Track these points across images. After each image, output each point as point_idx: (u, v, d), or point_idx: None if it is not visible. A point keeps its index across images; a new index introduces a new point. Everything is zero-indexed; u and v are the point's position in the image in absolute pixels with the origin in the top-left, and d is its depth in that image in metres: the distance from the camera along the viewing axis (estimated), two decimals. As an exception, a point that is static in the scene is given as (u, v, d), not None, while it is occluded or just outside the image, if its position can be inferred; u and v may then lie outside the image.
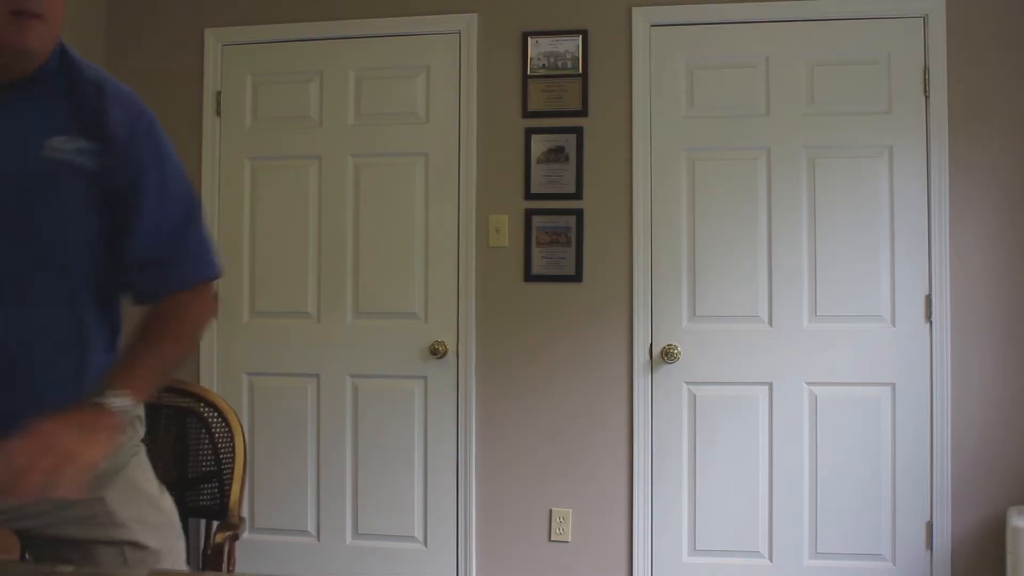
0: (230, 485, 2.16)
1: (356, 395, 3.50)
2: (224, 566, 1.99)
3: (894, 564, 3.17)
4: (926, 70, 3.21)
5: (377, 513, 3.46)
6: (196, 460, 2.20)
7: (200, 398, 2.21)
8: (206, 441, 2.19)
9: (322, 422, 3.51)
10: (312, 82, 3.56)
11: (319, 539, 3.50)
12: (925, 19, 3.21)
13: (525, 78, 3.42)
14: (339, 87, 3.54)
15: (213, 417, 2.20)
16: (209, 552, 2.05)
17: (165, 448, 2.19)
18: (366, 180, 3.51)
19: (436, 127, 3.47)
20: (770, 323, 3.26)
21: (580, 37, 3.39)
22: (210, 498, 2.19)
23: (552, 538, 3.35)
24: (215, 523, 2.18)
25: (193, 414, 2.19)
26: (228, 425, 2.18)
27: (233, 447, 2.17)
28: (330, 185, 3.54)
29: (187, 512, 2.18)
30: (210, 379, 3.58)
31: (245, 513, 3.47)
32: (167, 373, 1.55)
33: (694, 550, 3.28)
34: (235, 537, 2.05)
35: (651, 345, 3.32)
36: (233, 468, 2.16)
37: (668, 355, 3.28)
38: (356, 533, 3.48)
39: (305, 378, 3.53)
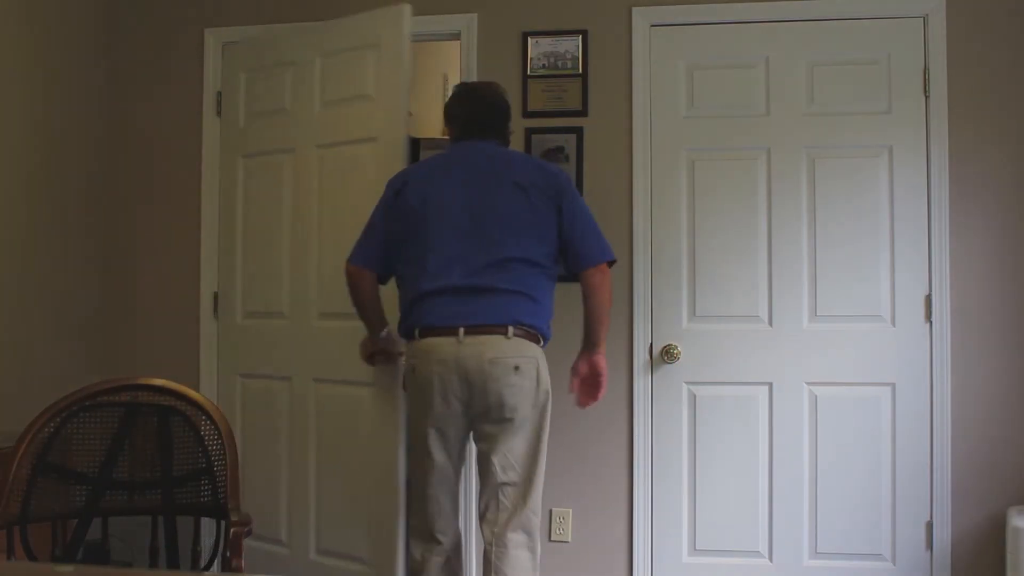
0: (224, 482, 2.15)
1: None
2: (241, 561, 2.00)
3: (894, 564, 3.17)
4: (926, 70, 3.21)
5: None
6: (182, 458, 2.19)
7: (182, 396, 2.20)
8: (191, 439, 2.19)
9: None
10: (312, 82, 3.54)
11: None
12: (925, 19, 3.21)
13: (525, 78, 3.42)
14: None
15: (198, 415, 2.19)
16: (225, 547, 2.05)
17: (148, 446, 2.18)
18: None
19: (436, 127, 3.45)
20: (770, 323, 3.26)
21: (580, 37, 3.39)
22: (203, 495, 2.18)
23: (552, 538, 3.35)
24: (213, 521, 2.18)
25: (177, 412, 2.19)
26: (214, 423, 2.18)
27: (223, 444, 2.17)
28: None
29: (177, 510, 2.18)
30: (209, 379, 3.58)
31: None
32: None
33: (694, 550, 3.28)
34: (248, 532, 2.05)
35: (651, 345, 3.32)
36: (226, 465, 2.15)
37: (668, 355, 3.28)
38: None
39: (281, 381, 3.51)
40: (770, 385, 3.25)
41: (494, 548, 2.51)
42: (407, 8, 3.09)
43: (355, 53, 3.21)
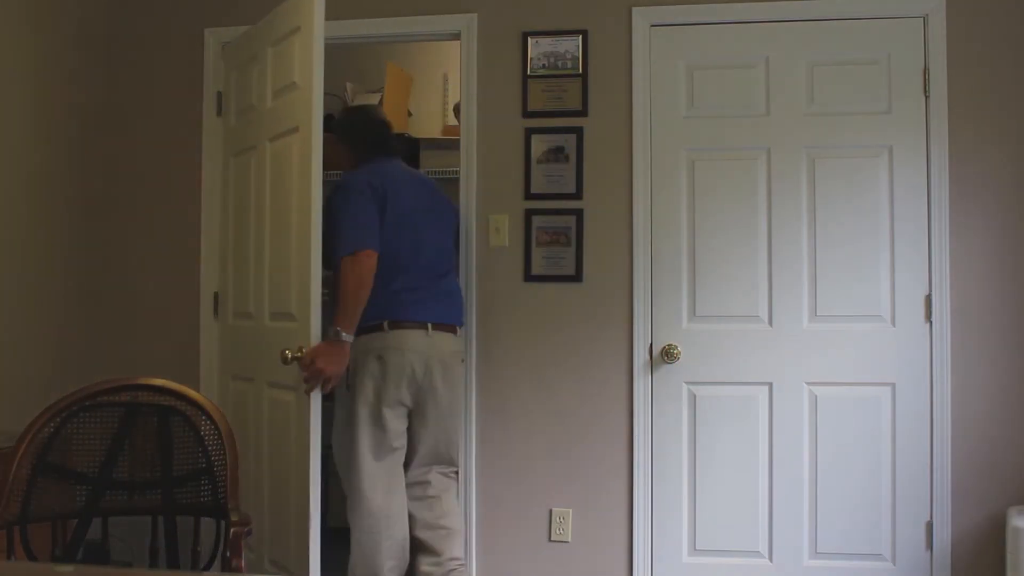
0: (224, 482, 2.15)
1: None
2: (242, 561, 1.99)
3: (894, 564, 3.17)
4: (926, 70, 3.21)
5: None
6: (182, 458, 2.19)
7: (182, 396, 2.20)
8: (191, 439, 2.19)
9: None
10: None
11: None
12: (925, 19, 3.21)
13: (525, 78, 3.42)
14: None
15: (198, 415, 2.19)
16: (225, 547, 2.04)
17: (148, 446, 2.18)
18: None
19: (436, 127, 3.44)
20: (770, 323, 3.26)
21: (580, 37, 3.39)
22: (203, 495, 2.19)
23: (552, 538, 3.35)
24: (213, 520, 2.18)
25: (177, 412, 2.19)
26: (214, 423, 2.18)
27: (223, 444, 2.17)
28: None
29: (177, 510, 2.19)
30: (210, 379, 3.58)
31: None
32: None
33: (694, 550, 3.28)
34: (248, 532, 2.05)
35: (651, 345, 3.32)
36: (226, 465, 2.15)
37: (668, 355, 3.28)
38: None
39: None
40: (770, 385, 3.25)
41: (433, 501, 3.01)
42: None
43: (287, 40, 3.07)
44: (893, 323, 3.20)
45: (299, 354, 2.78)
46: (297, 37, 3.00)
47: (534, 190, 3.40)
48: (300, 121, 2.92)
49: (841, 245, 3.23)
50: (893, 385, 3.19)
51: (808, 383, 3.24)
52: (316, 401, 2.78)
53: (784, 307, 3.25)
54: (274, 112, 3.17)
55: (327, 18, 3.53)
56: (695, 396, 3.30)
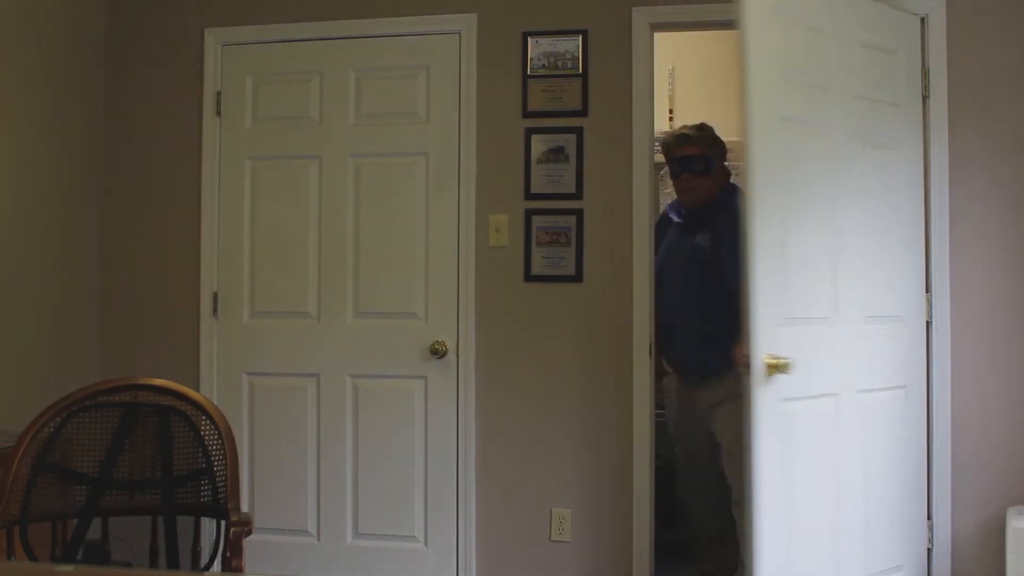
0: (224, 482, 2.15)
1: (356, 395, 3.50)
2: (242, 561, 2.00)
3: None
4: (926, 70, 3.20)
5: (377, 513, 3.46)
6: (183, 458, 2.19)
7: (182, 396, 2.21)
8: (191, 439, 2.19)
9: (322, 422, 3.51)
10: (312, 82, 3.56)
11: (319, 539, 3.50)
12: (925, 19, 3.21)
13: (525, 78, 3.42)
14: (339, 87, 3.54)
15: (198, 415, 2.19)
16: (225, 547, 2.05)
17: (148, 446, 2.18)
18: (366, 180, 3.51)
19: (436, 127, 3.48)
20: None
21: (580, 37, 3.39)
22: (203, 495, 2.19)
23: (552, 538, 3.35)
24: (214, 520, 2.18)
25: (177, 412, 2.19)
26: (214, 423, 2.18)
27: (223, 445, 2.17)
28: (330, 185, 3.54)
29: (177, 510, 2.19)
30: (209, 379, 3.58)
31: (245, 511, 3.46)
32: None
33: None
34: (248, 532, 2.05)
35: (651, 345, 3.32)
36: (226, 465, 2.16)
37: (668, 355, 3.28)
38: (356, 533, 3.48)
39: (305, 378, 3.53)
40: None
41: None
42: (460, 35, 3.40)
43: (401, 71, 3.50)
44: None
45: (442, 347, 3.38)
46: (424, 74, 3.46)
47: (534, 190, 3.40)
48: (430, 149, 3.45)
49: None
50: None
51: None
52: None
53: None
54: (368, 131, 3.51)
55: (329, 17, 3.56)
56: (695, 396, 3.30)
